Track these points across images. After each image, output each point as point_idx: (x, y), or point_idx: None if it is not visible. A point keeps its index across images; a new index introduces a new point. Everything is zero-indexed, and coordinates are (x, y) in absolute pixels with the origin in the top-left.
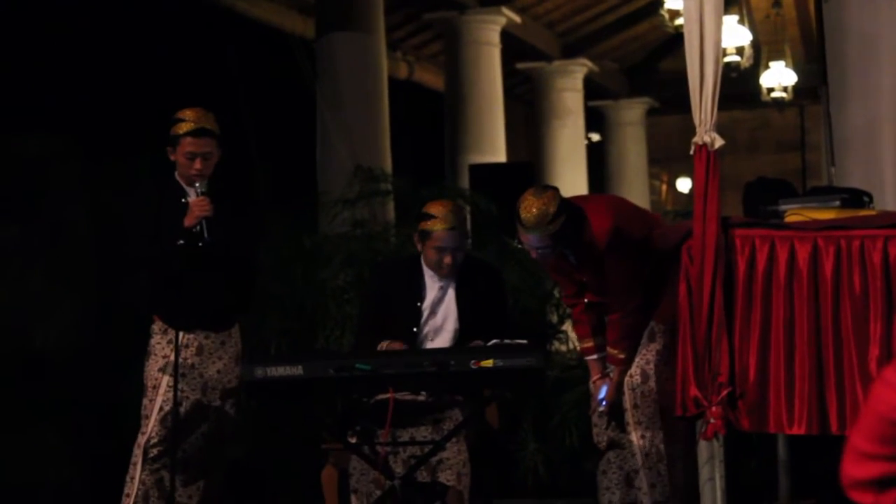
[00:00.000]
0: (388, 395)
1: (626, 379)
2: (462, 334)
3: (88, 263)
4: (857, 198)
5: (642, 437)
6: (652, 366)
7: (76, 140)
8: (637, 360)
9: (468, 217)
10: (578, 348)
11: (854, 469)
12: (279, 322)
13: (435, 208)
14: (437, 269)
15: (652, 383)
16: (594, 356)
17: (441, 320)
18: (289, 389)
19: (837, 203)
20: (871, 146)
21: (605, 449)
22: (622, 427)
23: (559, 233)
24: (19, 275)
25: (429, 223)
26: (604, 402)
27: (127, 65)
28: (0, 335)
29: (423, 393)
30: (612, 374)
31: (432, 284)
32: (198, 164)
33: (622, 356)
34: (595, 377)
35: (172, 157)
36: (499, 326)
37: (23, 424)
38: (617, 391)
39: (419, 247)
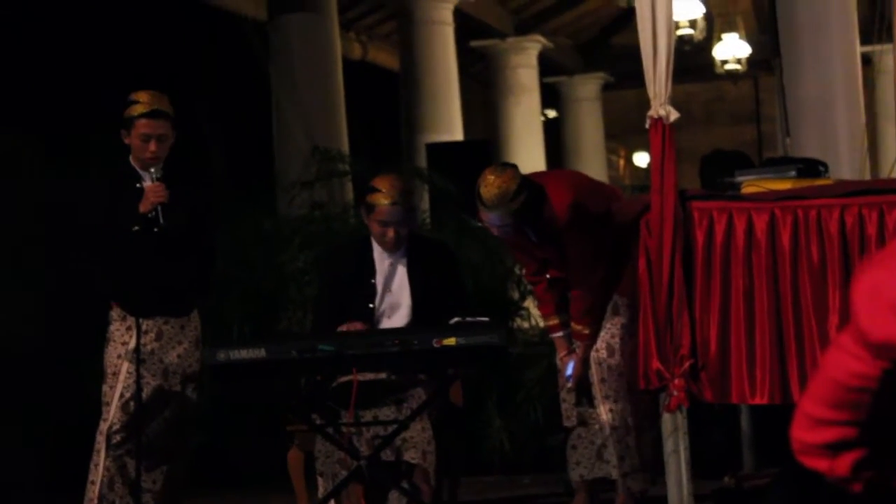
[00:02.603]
0: (350, 377)
1: (592, 353)
2: (417, 311)
3: (42, 251)
4: (812, 167)
5: (610, 410)
6: (617, 339)
7: (25, 127)
8: (602, 334)
9: (426, 196)
10: (543, 326)
11: (805, 434)
12: (240, 306)
13: (380, 182)
14: (381, 242)
15: (618, 357)
16: (559, 333)
17: (396, 297)
18: (252, 372)
19: (793, 173)
20: (824, 116)
21: (574, 426)
22: (591, 402)
23: (520, 210)
24: None
25: (373, 196)
26: (571, 378)
27: (78, 48)
28: None
29: (386, 372)
30: (577, 350)
31: (381, 260)
32: (152, 147)
33: (587, 331)
34: (562, 354)
35: (126, 141)
36: (458, 304)
37: None
38: (583, 366)
39: (365, 220)
